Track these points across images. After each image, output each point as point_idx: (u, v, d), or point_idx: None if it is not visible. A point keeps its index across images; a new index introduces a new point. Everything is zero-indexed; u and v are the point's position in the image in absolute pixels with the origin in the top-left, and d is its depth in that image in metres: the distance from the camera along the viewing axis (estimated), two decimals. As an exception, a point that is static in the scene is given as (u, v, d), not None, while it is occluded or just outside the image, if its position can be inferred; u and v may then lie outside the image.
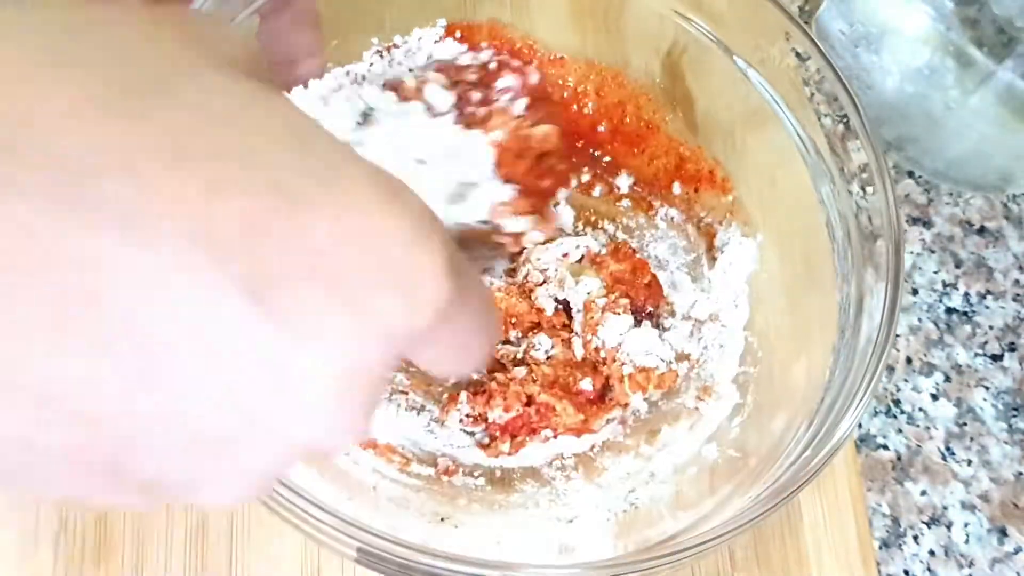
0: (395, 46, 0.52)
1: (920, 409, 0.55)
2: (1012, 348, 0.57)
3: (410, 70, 0.47)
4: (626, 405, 0.49)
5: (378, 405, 0.24)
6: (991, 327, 0.58)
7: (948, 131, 0.58)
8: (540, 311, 0.52)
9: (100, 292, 0.19)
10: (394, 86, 0.42)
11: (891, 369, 0.55)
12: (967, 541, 0.52)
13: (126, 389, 0.20)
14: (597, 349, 0.49)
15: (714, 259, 0.52)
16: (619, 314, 0.50)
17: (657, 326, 0.51)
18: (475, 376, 0.50)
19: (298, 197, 0.21)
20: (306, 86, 0.49)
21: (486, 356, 0.29)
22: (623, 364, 0.49)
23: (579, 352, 0.50)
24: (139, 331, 0.20)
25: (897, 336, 0.56)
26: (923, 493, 0.53)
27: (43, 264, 0.19)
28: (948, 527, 0.52)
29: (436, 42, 0.48)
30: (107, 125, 0.20)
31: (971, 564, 0.52)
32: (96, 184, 0.19)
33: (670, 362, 0.50)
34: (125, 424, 0.20)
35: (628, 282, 0.51)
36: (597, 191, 0.55)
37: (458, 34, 0.53)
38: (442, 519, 0.44)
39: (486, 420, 0.49)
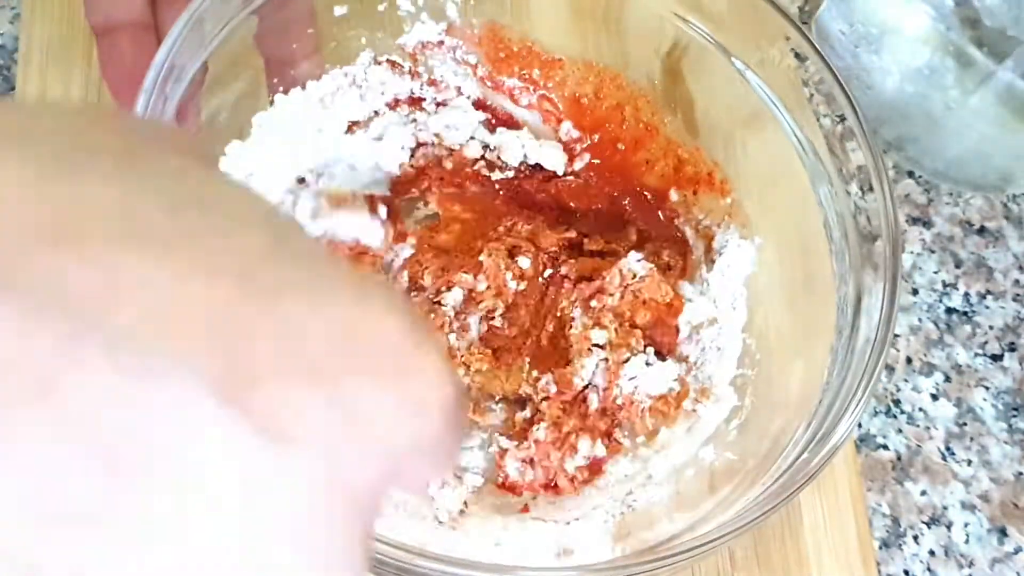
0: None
1: (920, 409, 0.55)
2: (1012, 348, 0.57)
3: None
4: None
5: (368, 549, 0.19)
6: (991, 327, 0.58)
7: (948, 131, 0.58)
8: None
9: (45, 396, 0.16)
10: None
11: (891, 369, 0.55)
12: (967, 541, 0.52)
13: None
14: (614, 399, 0.48)
15: (712, 261, 0.52)
16: (628, 360, 0.48)
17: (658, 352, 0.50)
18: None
19: (274, 284, 0.18)
20: (304, 87, 0.49)
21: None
22: (640, 404, 0.48)
23: (594, 404, 0.48)
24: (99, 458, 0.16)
25: (897, 336, 0.56)
26: (923, 493, 0.53)
27: None
28: (948, 527, 0.52)
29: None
30: (50, 186, 0.17)
31: (971, 564, 0.52)
32: (28, 264, 0.16)
33: (679, 376, 0.49)
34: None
35: (653, 324, 0.49)
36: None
37: (458, 40, 0.53)
38: (440, 522, 0.44)
39: None
